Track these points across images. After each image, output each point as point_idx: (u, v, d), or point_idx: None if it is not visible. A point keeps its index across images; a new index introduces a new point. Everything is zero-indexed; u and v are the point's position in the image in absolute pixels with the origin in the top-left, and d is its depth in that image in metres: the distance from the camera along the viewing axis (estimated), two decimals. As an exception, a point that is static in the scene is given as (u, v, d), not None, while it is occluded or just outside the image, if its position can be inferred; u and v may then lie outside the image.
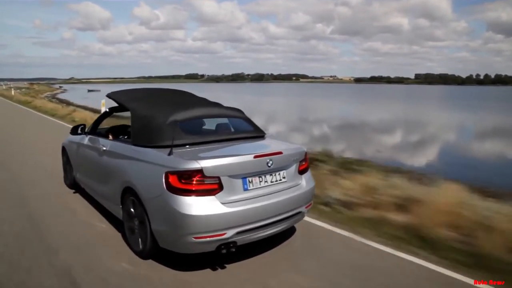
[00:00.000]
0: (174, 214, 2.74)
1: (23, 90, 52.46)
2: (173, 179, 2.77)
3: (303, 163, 3.48)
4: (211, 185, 2.81)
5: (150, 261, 3.14)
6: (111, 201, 3.70)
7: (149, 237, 3.03)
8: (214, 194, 2.81)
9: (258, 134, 3.74)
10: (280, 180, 3.22)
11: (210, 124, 4.43)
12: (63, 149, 5.35)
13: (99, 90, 74.35)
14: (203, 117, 3.80)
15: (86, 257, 3.19)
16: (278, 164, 3.15)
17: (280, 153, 3.17)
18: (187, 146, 3.15)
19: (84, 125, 4.61)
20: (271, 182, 3.14)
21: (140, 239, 3.18)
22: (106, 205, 3.93)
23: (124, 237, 3.60)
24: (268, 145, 3.53)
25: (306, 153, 3.52)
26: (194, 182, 2.76)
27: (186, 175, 2.75)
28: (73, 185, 5.13)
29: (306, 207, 3.44)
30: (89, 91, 73.25)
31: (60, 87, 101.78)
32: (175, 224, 2.77)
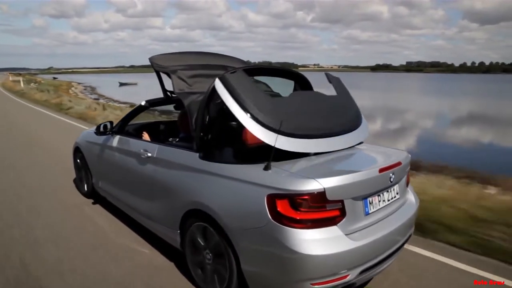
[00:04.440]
0: (285, 253, 1.96)
1: (32, 85, 32.92)
2: (282, 205, 1.99)
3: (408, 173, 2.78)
4: (333, 212, 2.05)
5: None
6: (161, 224, 2.88)
7: (235, 280, 2.25)
8: (336, 224, 2.06)
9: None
10: (395, 197, 2.50)
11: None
12: (77, 149, 4.44)
13: (135, 83, 56.32)
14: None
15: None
16: (397, 177, 2.44)
17: (400, 163, 2.45)
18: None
19: (111, 122, 3.72)
20: (388, 200, 2.42)
21: (217, 279, 2.40)
22: (150, 226, 3.09)
23: (180, 268, 2.82)
24: (373, 152, 2.77)
25: None
26: (314, 209, 1.99)
27: (302, 200, 1.97)
28: (91, 194, 4.26)
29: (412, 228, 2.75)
30: (121, 84, 56.68)
31: (55, 78, 79.29)
32: (286, 266, 2.00)
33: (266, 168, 2.13)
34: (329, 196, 1.99)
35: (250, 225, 2.09)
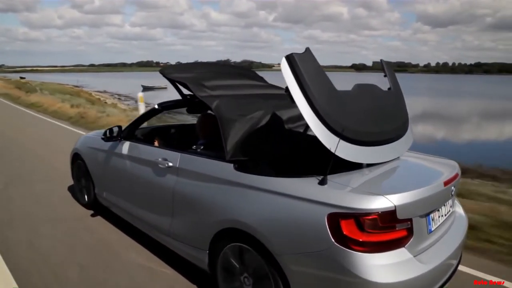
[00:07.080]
0: (353, 281, 1.71)
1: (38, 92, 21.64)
2: (348, 226, 1.73)
3: None
4: (401, 232, 1.82)
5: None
6: (185, 242, 2.56)
7: (283, 308, 1.99)
8: (404, 245, 1.82)
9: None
10: (449, 210, 2.30)
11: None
12: (76, 156, 4.05)
13: (164, 87, 41.12)
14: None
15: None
16: (455, 190, 2.24)
17: (458, 175, 2.26)
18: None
19: (120, 127, 3.37)
20: (445, 215, 2.22)
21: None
22: (169, 243, 2.76)
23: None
24: (423, 162, 2.56)
25: None
26: (383, 230, 1.75)
27: (371, 220, 1.73)
28: (92, 204, 3.90)
29: None
30: (145, 88, 44.65)
31: (22, 78, 61.46)
32: None
33: (323, 182, 1.87)
34: (399, 215, 1.76)
35: (306, 249, 1.83)
